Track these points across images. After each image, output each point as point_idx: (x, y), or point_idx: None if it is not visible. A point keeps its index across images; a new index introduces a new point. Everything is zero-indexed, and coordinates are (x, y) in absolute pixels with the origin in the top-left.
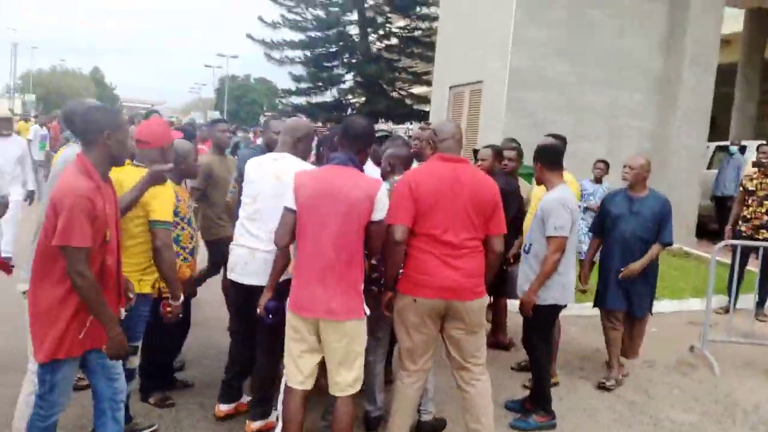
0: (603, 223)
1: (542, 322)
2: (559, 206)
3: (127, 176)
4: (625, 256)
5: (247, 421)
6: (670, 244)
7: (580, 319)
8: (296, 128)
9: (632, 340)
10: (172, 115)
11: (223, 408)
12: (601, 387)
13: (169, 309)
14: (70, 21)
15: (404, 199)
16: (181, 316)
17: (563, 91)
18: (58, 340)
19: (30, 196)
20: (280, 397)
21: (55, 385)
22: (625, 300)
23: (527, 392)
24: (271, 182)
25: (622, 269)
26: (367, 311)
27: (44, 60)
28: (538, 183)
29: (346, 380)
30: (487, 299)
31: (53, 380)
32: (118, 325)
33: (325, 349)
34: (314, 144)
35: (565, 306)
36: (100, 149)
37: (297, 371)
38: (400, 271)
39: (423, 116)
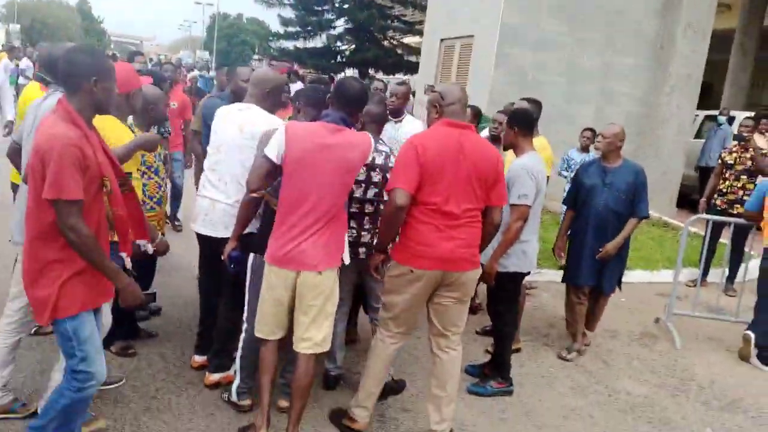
0: (577, 195)
1: (505, 289)
2: (524, 174)
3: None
4: (598, 230)
5: (207, 373)
6: (646, 217)
7: (552, 285)
8: (265, 80)
9: (595, 314)
10: (161, 53)
11: (198, 359)
12: (561, 358)
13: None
14: None
15: (410, 163)
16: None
17: (555, 51)
18: (62, 298)
19: (8, 126)
20: (239, 351)
21: (84, 342)
22: (596, 276)
23: (488, 357)
24: (234, 133)
25: (596, 245)
26: (346, 260)
27: None
28: (507, 148)
29: (315, 339)
30: (480, 270)
31: (81, 338)
32: (124, 274)
33: (298, 304)
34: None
35: (528, 273)
36: (85, 96)
37: (272, 323)
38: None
39: (413, 68)
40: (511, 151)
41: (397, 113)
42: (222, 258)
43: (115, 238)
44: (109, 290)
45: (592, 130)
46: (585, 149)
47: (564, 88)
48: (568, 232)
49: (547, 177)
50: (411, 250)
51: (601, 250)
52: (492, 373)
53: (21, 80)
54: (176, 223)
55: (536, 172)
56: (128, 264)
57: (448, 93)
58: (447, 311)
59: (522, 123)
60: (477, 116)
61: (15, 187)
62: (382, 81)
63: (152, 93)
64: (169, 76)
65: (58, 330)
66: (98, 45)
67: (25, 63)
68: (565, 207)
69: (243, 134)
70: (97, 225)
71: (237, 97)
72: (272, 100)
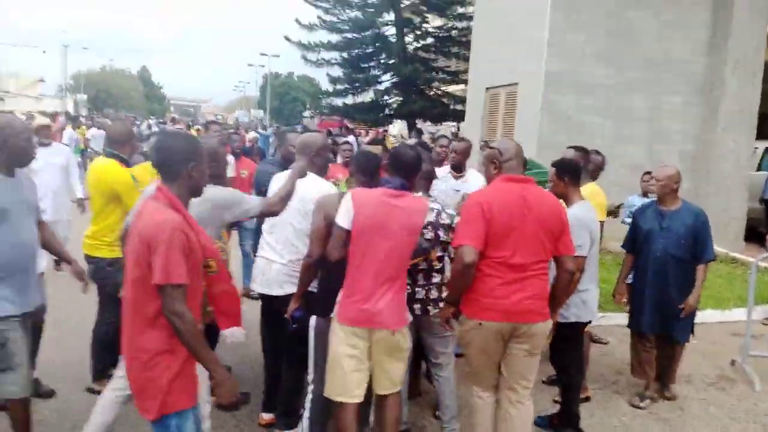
0: (635, 239)
1: (566, 340)
2: (577, 224)
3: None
4: (657, 276)
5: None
6: (713, 260)
7: (618, 329)
8: (309, 144)
9: (671, 364)
10: (217, 113)
11: (266, 417)
12: (634, 406)
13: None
14: (119, 21)
15: (476, 220)
16: None
17: (601, 94)
18: (173, 391)
19: (81, 205)
20: (306, 412)
21: None
22: (661, 323)
23: (557, 407)
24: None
25: (656, 292)
26: (409, 318)
27: (94, 60)
28: (557, 197)
29: (395, 381)
30: (551, 322)
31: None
32: (224, 368)
33: (377, 361)
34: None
35: (589, 322)
36: (183, 182)
37: (350, 385)
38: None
39: (459, 115)
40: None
41: (459, 168)
42: (284, 316)
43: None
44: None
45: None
46: (646, 194)
47: (611, 130)
48: (630, 276)
49: (601, 222)
50: (479, 304)
51: (682, 306)
52: (562, 425)
53: (90, 151)
54: (251, 293)
55: (589, 221)
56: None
57: (505, 149)
58: (517, 364)
59: (570, 173)
60: (523, 164)
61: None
62: (431, 133)
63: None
64: (237, 145)
65: (162, 423)
66: (159, 108)
67: (92, 133)
68: (626, 251)
69: (299, 199)
70: (196, 312)
71: (287, 161)
72: (319, 161)
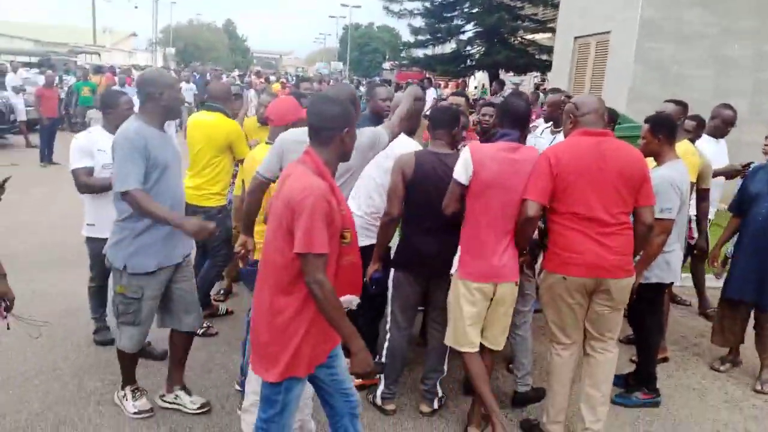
0: (742, 201)
1: (648, 300)
2: (668, 186)
3: (260, 152)
4: (756, 240)
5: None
6: None
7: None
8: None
9: (763, 339)
10: (298, 66)
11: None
12: (714, 369)
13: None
14: None
15: (542, 175)
16: None
17: (700, 43)
18: (295, 356)
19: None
20: (384, 359)
21: (288, 404)
22: (753, 291)
23: (633, 367)
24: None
25: (754, 259)
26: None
27: (182, 14)
28: (648, 155)
29: (499, 340)
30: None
31: (286, 399)
32: (360, 338)
33: (492, 313)
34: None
35: (672, 284)
36: (335, 147)
37: (472, 337)
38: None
39: (546, 66)
40: (651, 159)
41: (557, 123)
42: (364, 279)
43: None
44: (324, 353)
45: None
46: None
47: (711, 82)
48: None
49: (692, 183)
50: (561, 258)
51: None
52: (637, 384)
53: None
54: None
55: (680, 182)
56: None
57: (582, 103)
58: (601, 318)
59: (666, 130)
60: (613, 119)
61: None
62: (514, 84)
63: None
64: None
65: (276, 385)
66: (243, 61)
67: (183, 87)
68: (731, 213)
69: (380, 155)
70: (332, 280)
71: (377, 116)
72: (410, 123)
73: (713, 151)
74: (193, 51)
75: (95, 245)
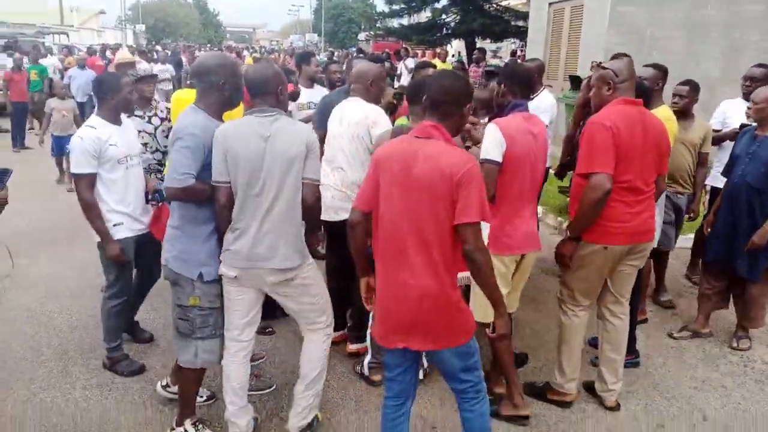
0: (728, 164)
1: None
2: None
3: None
4: (730, 203)
5: (347, 344)
6: None
7: (682, 252)
8: (365, 73)
9: (744, 305)
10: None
11: (335, 334)
12: (670, 336)
13: None
14: None
15: (609, 146)
16: None
17: (674, 5)
18: (469, 318)
19: None
20: (370, 324)
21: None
22: (727, 255)
23: None
24: (335, 124)
25: (728, 220)
26: None
27: None
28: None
29: (515, 303)
30: None
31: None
32: (504, 304)
33: (517, 278)
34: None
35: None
36: (453, 122)
37: (512, 304)
38: None
39: (521, 33)
40: None
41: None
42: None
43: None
44: None
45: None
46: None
47: (683, 44)
48: None
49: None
50: (604, 229)
51: (750, 240)
52: None
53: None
54: None
55: None
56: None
57: (621, 70)
58: (625, 279)
59: (642, 95)
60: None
61: None
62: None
63: None
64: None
65: (462, 351)
66: (215, 36)
67: (158, 68)
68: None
69: (341, 125)
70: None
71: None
72: (376, 89)
73: (741, 113)
74: (164, 27)
75: (123, 247)
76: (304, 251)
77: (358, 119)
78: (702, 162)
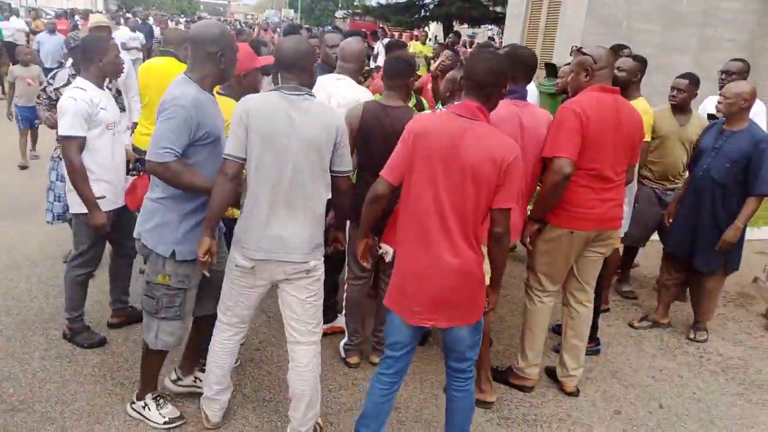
0: (695, 157)
1: None
2: None
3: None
4: (693, 196)
5: None
6: (766, 194)
7: (649, 244)
8: (359, 53)
9: (699, 298)
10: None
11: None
12: (630, 326)
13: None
14: None
15: (574, 131)
16: None
17: None
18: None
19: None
20: (344, 311)
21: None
22: (687, 248)
23: None
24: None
25: (689, 214)
26: None
27: None
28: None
29: None
30: None
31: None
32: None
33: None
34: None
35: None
36: (492, 103)
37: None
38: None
39: (499, 19)
40: None
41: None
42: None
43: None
44: None
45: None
46: None
47: (659, 36)
48: None
49: (647, 142)
50: (570, 214)
51: (721, 239)
52: None
53: (127, 54)
54: None
55: None
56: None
57: (599, 57)
58: (591, 265)
59: (620, 87)
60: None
61: None
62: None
63: None
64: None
65: (477, 326)
66: (189, 7)
67: (126, 35)
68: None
69: (329, 103)
70: None
71: (327, 64)
72: (361, 69)
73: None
74: None
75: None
76: (321, 246)
77: (348, 101)
78: None
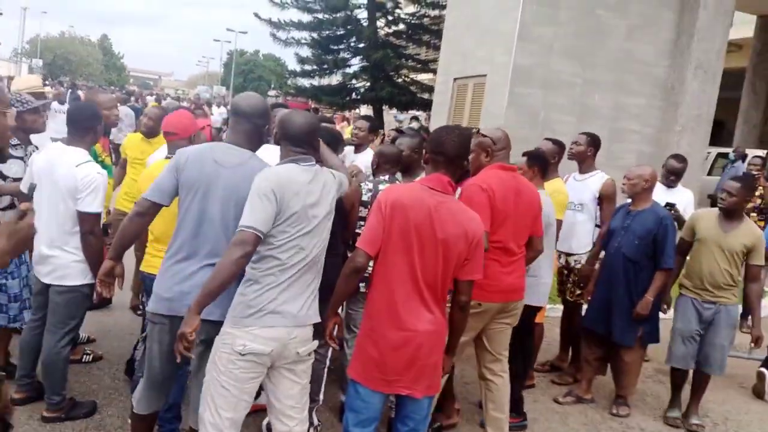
0: (606, 237)
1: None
2: None
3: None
4: (607, 273)
5: None
6: (670, 268)
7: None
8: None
9: (619, 372)
10: (178, 88)
11: None
12: (555, 401)
13: None
14: None
15: (484, 206)
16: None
17: (567, 91)
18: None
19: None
20: None
21: None
22: (604, 322)
23: None
24: None
25: (603, 290)
26: None
27: (53, 25)
28: None
29: None
30: None
31: None
32: None
33: None
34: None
35: (539, 308)
36: (457, 174)
37: None
38: None
39: (426, 105)
40: None
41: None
42: None
43: None
44: None
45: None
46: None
47: (574, 127)
48: None
49: (559, 221)
50: (479, 286)
51: (634, 310)
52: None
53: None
54: None
55: (545, 215)
56: None
57: (498, 138)
58: (499, 335)
59: (540, 164)
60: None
61: None
62: (399, 121)
63: None
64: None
65: (433, 397)
66: (118, 79)
67: (55, 106)
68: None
69: None
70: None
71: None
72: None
73: (660, 200)
74: (63, 64)
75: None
76: None
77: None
78: (752, 277)
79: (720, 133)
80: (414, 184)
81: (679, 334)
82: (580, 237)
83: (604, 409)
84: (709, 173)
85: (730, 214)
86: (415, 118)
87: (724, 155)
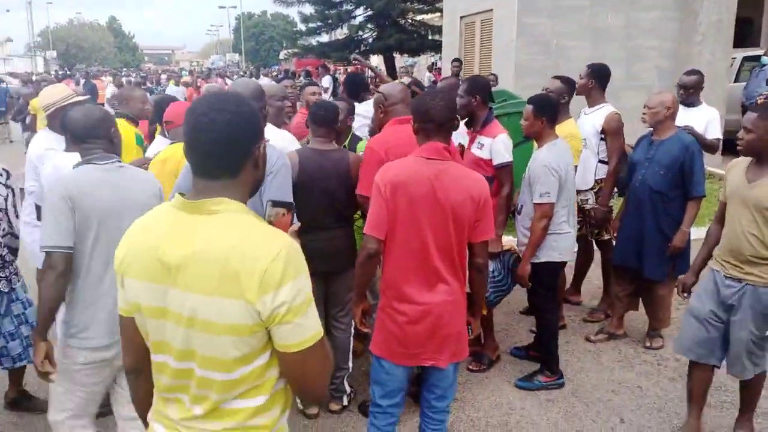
0: (629, 171)
1: (541, 280)
2: (545, 171)
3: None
4: (634, 207)
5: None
6: (703, 196)
7: (597, 255)
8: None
9: (652, 305)
10: (193, 60)
11: None
12: (587, 339)
13: None
14: None
15: (373, 167)
16: None
17: (576, 16)
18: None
19: None
20: None
21: None
22: (634, 257)
23: (532, 337)
24: None
25: (632, 225)
26: None
27: (60, 14)
28: (530, 137)
29: None
30: None
31: None
32: None
33: None
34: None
35: (564, 263)
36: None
37: None
38: None
39: (437, 47)
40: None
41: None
42: None
43: None
44: None
45: None
46: None
47: (589, 52)
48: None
49: (576, 166)
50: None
51: (670, 245)
52: (540, 367)
53: None
54: None
55: (557, 166)
56: None
57: (390, 93)
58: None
59: (550, 112)
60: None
61: None
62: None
63: None
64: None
65: (458, 364)
66: (132, 60)
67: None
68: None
69: None
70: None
71: None
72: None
73: (680, 119)
74: (77, 53)
75: None
76: None
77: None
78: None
79: (749, 33)
80: (410, 158)
81: (690, 314)
82: (584, 174)
83: (638, 344)
84: (736, 80)
85: (757, 158)
86: (406, 71)
87: (751, 58)
